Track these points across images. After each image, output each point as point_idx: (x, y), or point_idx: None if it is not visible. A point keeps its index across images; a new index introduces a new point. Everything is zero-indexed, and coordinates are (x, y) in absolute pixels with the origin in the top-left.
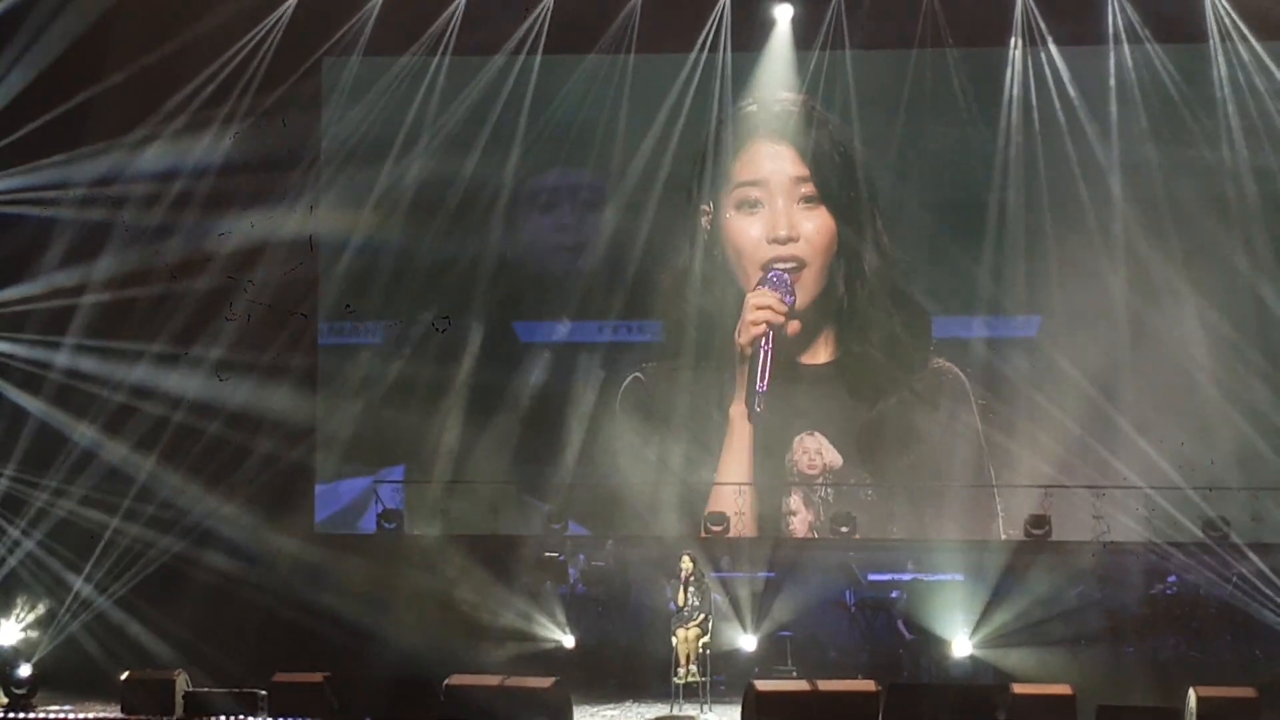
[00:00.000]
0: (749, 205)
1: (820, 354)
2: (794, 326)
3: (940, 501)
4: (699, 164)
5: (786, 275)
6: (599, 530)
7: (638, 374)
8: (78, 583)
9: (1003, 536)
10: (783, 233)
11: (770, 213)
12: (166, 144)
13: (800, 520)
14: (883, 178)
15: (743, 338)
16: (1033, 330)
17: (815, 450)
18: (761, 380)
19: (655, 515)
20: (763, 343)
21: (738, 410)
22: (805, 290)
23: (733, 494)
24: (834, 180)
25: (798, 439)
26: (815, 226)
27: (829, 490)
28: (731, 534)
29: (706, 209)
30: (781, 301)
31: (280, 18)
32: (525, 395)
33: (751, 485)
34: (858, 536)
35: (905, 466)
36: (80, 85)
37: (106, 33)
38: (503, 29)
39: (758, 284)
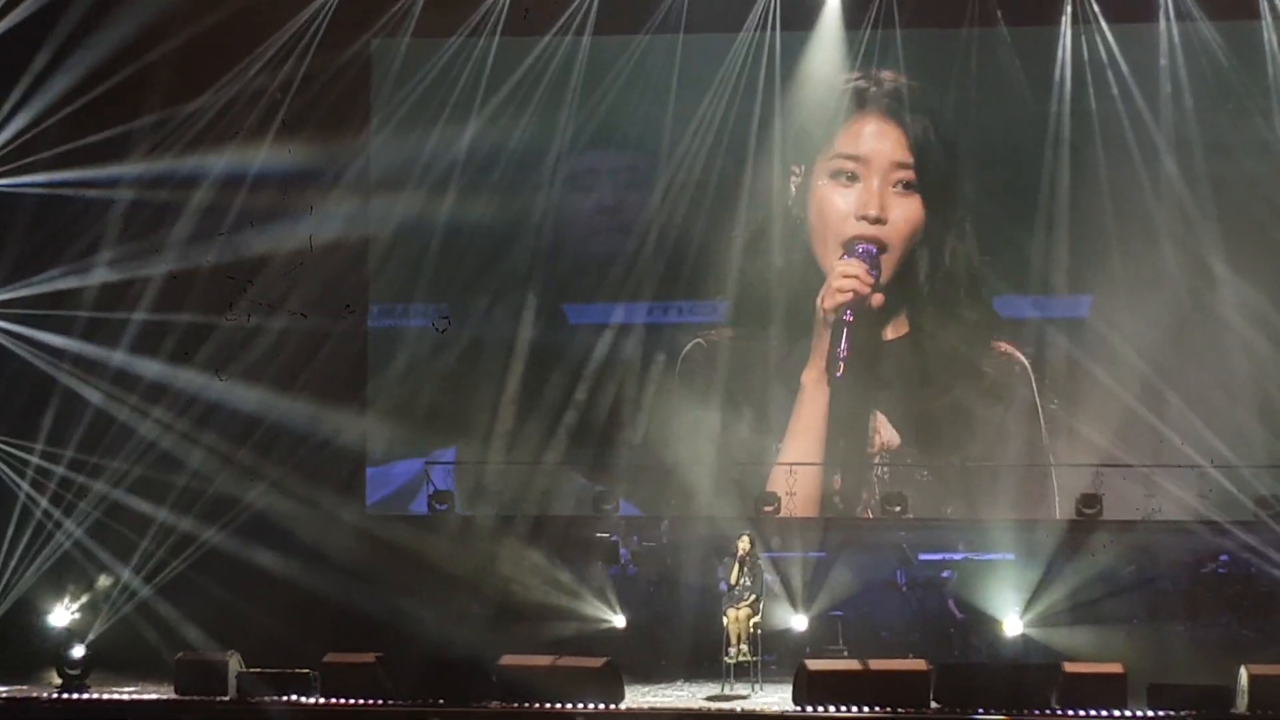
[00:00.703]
0: (845, 176)
1: (890, 334)
2: (878, 299)
3: (995, 483)
4: (795, 127)
5: (875, 250)
6: (651, 510)
7: (699, 340)
8: (131, 565)
9: (1057, 516)
10: (873, 212)
11: (864, 189)
12: (215, 131)
13: (840, 500)
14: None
15: (827, 303)
16: (1084, 310)
17: (873, 429)
18: (842, 349)
19: (707, 494)
20: (846, 312)
21: (810, 377)
22: (883, 272)
23: (788, 470)
24: (933, 171)
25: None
26: (904, 213)
27: (885, 470)
28: (793, 510)
29: (796, 170)
30: (868, 273)
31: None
32: (576, 377)
33: (813, 465)
34: (909, 516)
35: (963, 452)
36: (120, 94)
37: (152, 24)
38: (551, 9)
39: (844, 255)
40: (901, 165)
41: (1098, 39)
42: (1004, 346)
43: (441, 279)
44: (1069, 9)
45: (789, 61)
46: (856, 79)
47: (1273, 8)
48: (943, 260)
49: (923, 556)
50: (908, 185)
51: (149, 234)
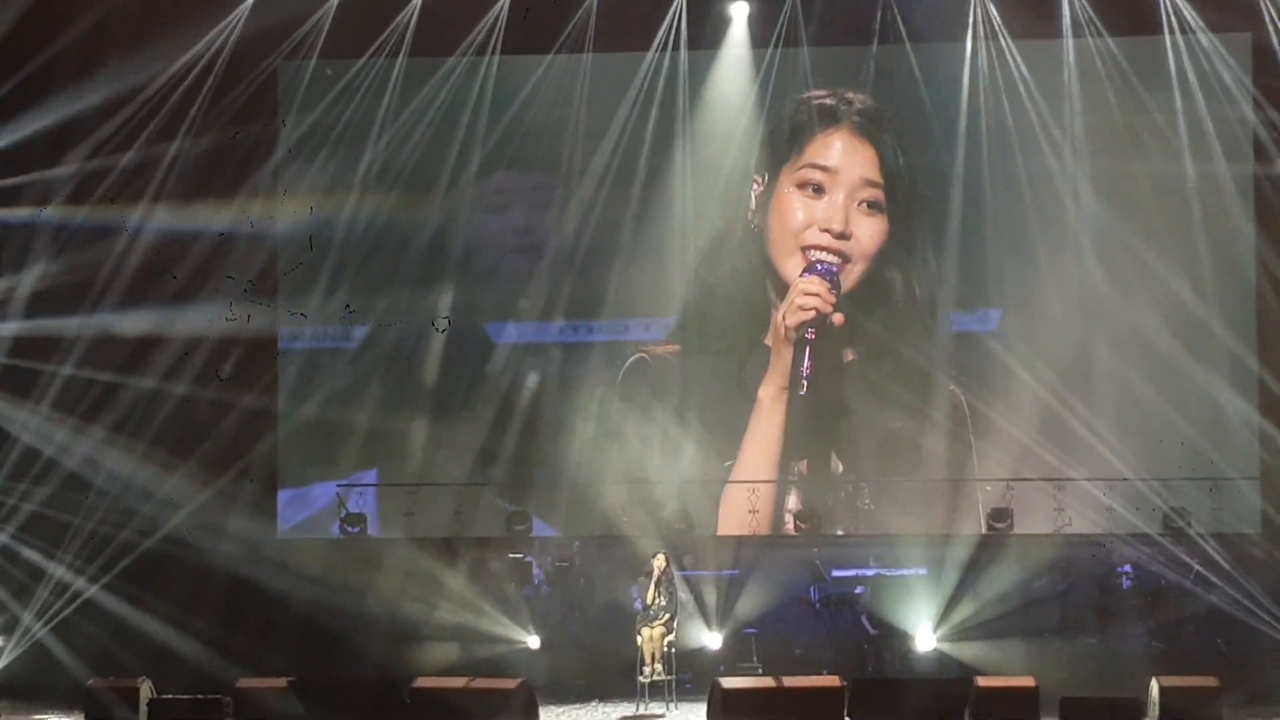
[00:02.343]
0: (811, 188)
1: (845, 355)
2: (839, 318)
3: (926, 505)
4: (769, 135)
5: (835, 268)
6: (565, 530)
7: (643, 354)
8: (39, 591)
9: (984, 530)
10: (837, 226)
11: (829, 204)
12: (124, 144)
13: (794, 520)
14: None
15: (789, 320)
16: (992, 324)
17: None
18: (805, 367)
19: (624, 513)
20: (809, 330)
21: (767, 392)
22: (841, 289)
23: (747, 490)
24: (900, 193)
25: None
26: (869, 231)
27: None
28: (756, 529)
29: (758, 180)
30: (830, 291)
31: (234, 24)
32: (492, 397)
33: (745, 483)
34: (831, 532)
35: (902, 481)
36: (27, 94)
37: (56, 41)
38: (459, 31)
39: (804, 270)
40: (870, 183)
41: (999, 55)
42: (953, 388)
43: (354, 300)
44: (973, 25)
45: (697, 80)
46: (823, 97)
47: (1173, 24)
48: (905, 284)
49: (835, 573)
50: (873, 204)
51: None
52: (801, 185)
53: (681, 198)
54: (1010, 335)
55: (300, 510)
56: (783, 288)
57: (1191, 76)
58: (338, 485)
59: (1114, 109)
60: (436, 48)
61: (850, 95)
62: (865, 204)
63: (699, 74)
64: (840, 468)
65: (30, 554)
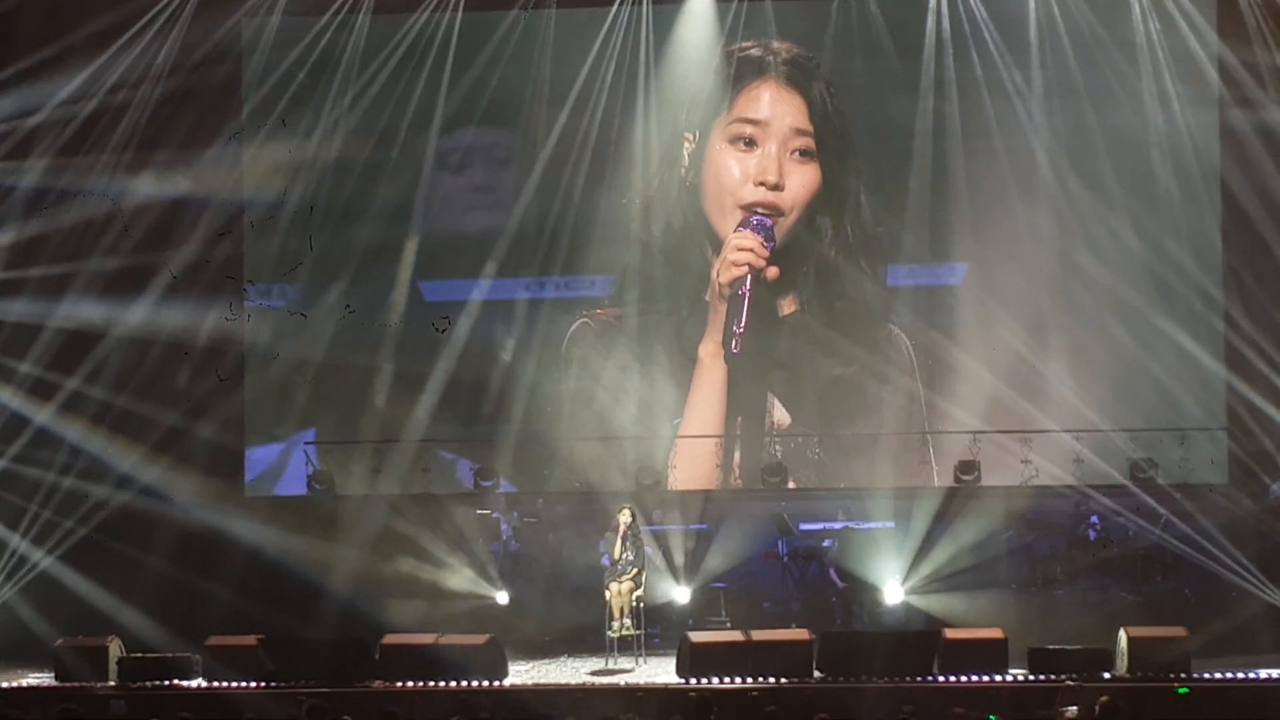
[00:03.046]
0: (743, 142)
1: (785, 309)
2: (773, 271)
3: (878, 454)
4: (687, 94)
5: (769, 221)
6: (531, 487)
7: (585, 319)
8: (7, 549)
9: (935, 483)
10: (771, 178)
11: (763, 155)
12: (83, 106)
13: (739, 473)
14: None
15: (723, 277)
16: (957, 278)
17: (766, 408)
18: (739, 323)
19: (589, 469)
20: (742, 285)
21: (707, 350)
22: (778, 241)
23: (711, 445)
24: (831, 140)
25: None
26: (802, 180)
27: (777, 446)
28: (688, 485)
29: (689, 137)
30: (763, 245)
31: None
32: (455, 355)
33: (706, 438)
34: (791, 486)
35: (849, 426)
36: None
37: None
38: None
39: (739, 225)
40: (801, 132)
41: (962, 3)
42: (894, 329)
43: (315, 259)
44: None
45: (661, 34)
46: (749, 48)
47: None
48: (839, 229)
49: (803, 526)
50: (805, 153)
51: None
52: (733, 140)
53: (630, 158)
54: (977, 289)
55: (265, 467)
56: (720, 244)
57: (1156, 26)
58: (305, 442)
59: (1079, 61)
60: (400, 4)
61: (776, 45)
62: (797, 153)
63: (663, 29)
64: (788, 420)
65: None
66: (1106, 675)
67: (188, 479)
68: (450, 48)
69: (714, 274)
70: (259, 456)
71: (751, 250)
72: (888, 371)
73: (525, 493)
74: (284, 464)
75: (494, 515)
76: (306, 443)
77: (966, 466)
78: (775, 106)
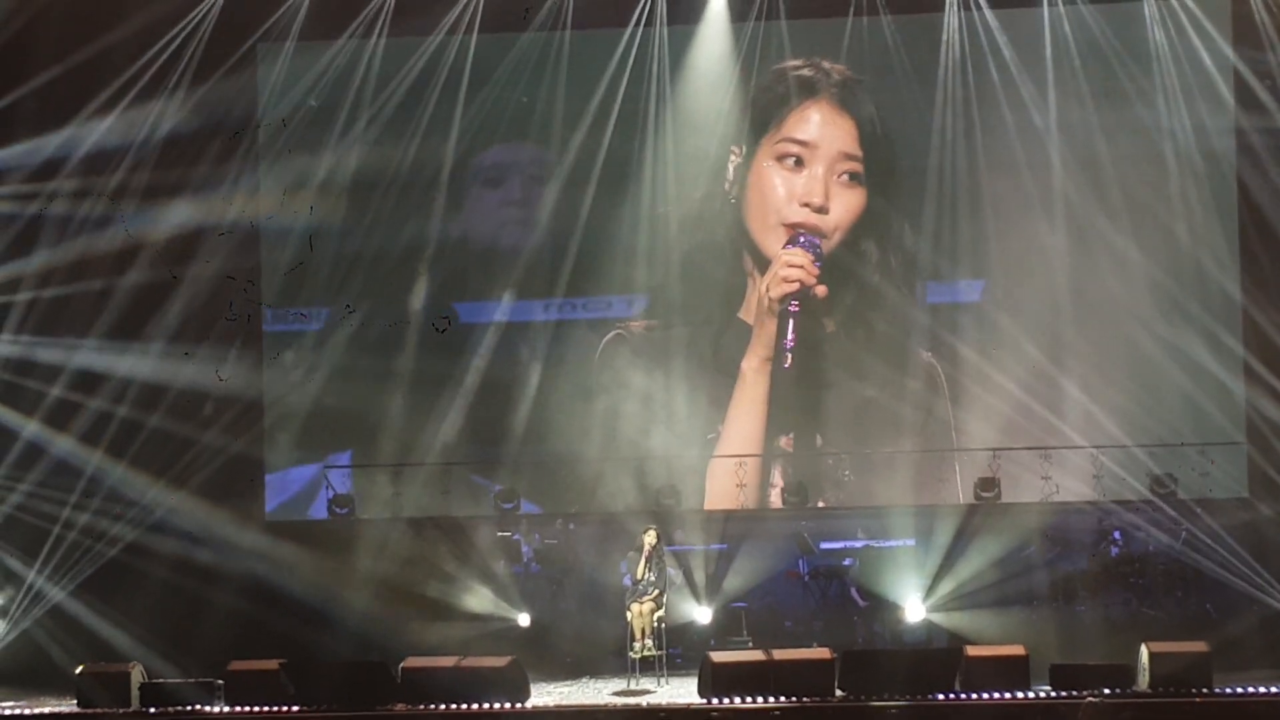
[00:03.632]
0: (791, 160)
1: (825, 327)
2: (822, 290)
3: (898, 472)
4: (747, 107)
5: (818, 240)
6: (552, 508)
7: (620, 331)
8: (29, 577)
9: (972, 500)
10: (817, 200)
11: (809, 177)
12: (102, 135)
13: (776, 493)
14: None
15: (773, 291)
16: (976, 295)
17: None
18: (789, 339)
19: (611, 490)
20: (792, 302)
21: (750, 364)
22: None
23: (734, 464)
24: (878, 165)
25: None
26: (847, 204)
27: (801, 465)
28: (744, 503)
29: (736, 150)
30: (814, 264)
31: (213, 4)
32: (472, 376)
33: (731, 457)
34: (819, 505)
35: (884, 453)
36: (7, 79)
37: (33, 25)
38: (437, 10)
39: (788, 242)
40: (849, 156)
41: (978, 24)
42: (926, 356)
43: (337, 284)
44: None
45: (676, 55)
46: (800, 67)
47: None
48: (886, 256)
49: (824, 545)
50: (853, 176)
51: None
52: (780, 158)
53: (657, 175)
54: (995, 305)
55: (286, 493)
56: (762, 260)
57: (1171, 39)
58: (325, 467)
59: (1094, 73)
60: (414, 28)
61: (827, 65)
62: (845, 176)
63: (678, 50)
64: (820, 440)
65: (21, 543)
66: (1134, 689)
67: (208, 505)
68: (465, 70)
69: (762, 288)
70: (279, 481)
71: (803, 268)
72: (919, 396)
73: (546, 514)
74: (302, 489)
75: (515, 537)
76: (327, 466)
77: (987, 484)
78: (825, 129)
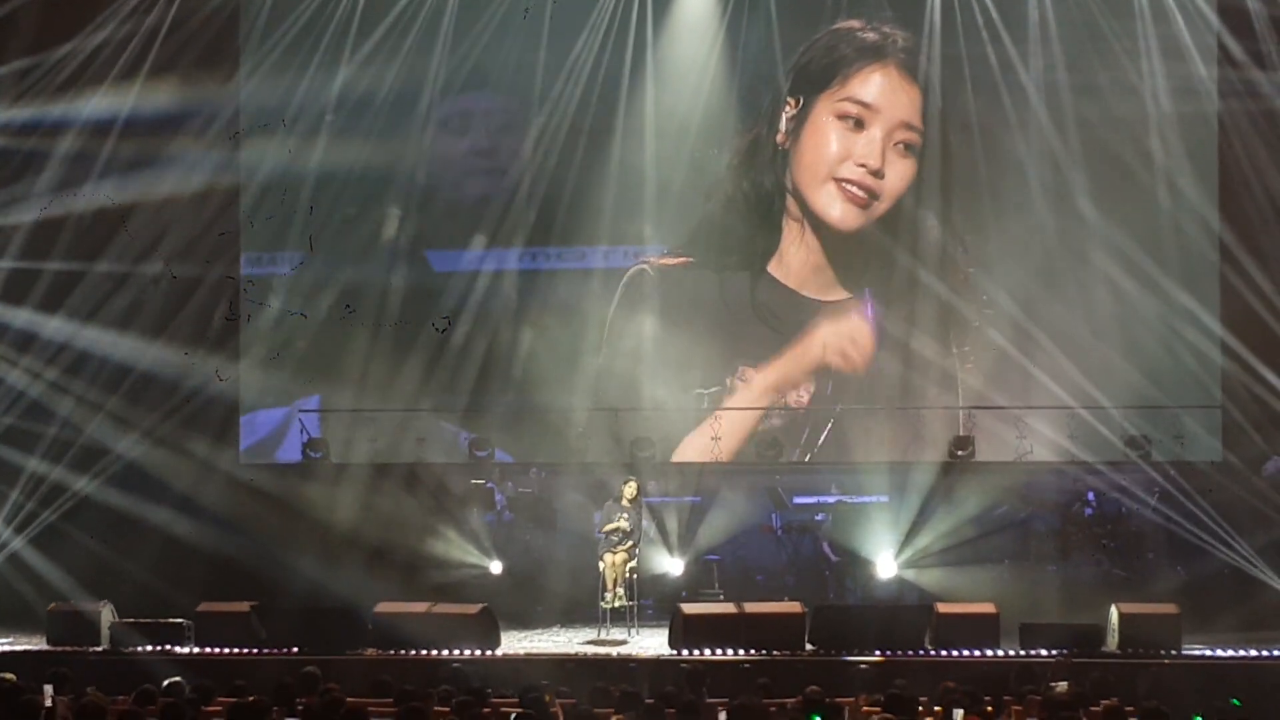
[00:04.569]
0: (851, 120)
1: (834, 292)
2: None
3: (883, 430)
4: (807, 60)
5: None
6: (526, 457)
7: (644, 266)
8: (0, 516)
9: (946, 458)
10: (874, 163)
11: (868, 139)
12: (76, 64)
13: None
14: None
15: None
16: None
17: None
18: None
19: (584, 440)
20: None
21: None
22: (857, 219)
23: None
24: (937, 142)
25: (739, 369)
26: (900, 173)
27: (776, 419)
28: (713, 457)
29: (792, 102)
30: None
31: None
32: (451, 323)
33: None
34: (788, 459)
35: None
36: None
37: None
38: None
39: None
40: (909, 126)
41: None
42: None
43: (313, 226)
44: None
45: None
46: (863, 30)
47: None
48: (919, 231)
49: (797, 499)
50: (909, 147)
51: (14, 182)
52: (841, 116)
53: (702, 119)
54: (967, 263)
55: (256, 436)
56: (808, 212)
57: (1156, 13)
58: (300, 410)
59: (1076, 38)
60: None
61: (889, 30)
62: (901, 145)
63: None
64: (807, 397)
65: None
66: (1103, 650)
67: (184, 444)
68: (452, 11)
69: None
70: (252, 422)
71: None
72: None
73: (520, 462)
74: (277, 429)
75: (488, 485)
76: (303, 410)
77: (961, 442)
78: (889, 94)
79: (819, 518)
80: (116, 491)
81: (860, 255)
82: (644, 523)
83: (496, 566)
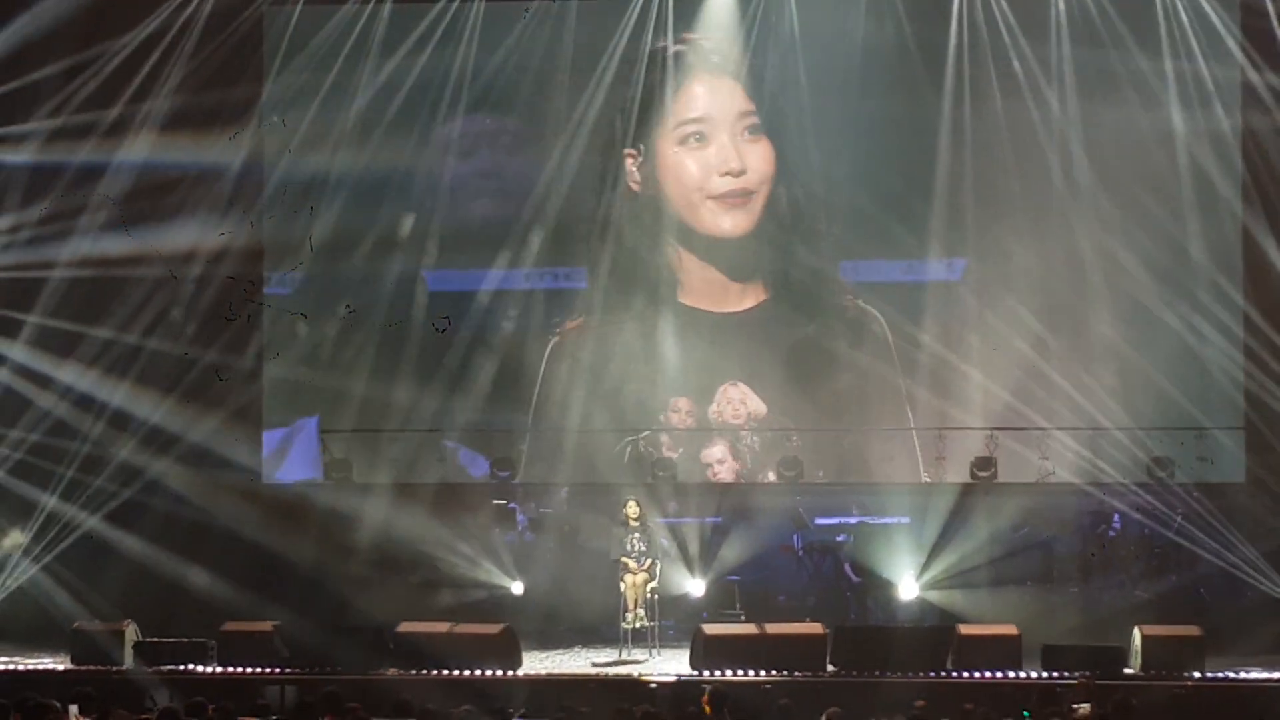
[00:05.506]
0: (695, 139)
1: (748, 299)
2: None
3: (867, 444)
4: (627, 107)
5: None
6: (546, 478)
7: (555, 337)
8: (23, 535)
9: (924, 478)
10: (734, 165)
11: (718, 146)
12: (104, 95)
13: (727, 469)
14: (825, 119)
15: None
16: (957, 274)
17: (739, 399)
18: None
19: (602, 463)
20: None
21: None
22: (746, 220)
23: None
24: (776, 112)
25: (721, 389)
26: (760, 156)
27: (755, 439)
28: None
29: (633, 153)
30: None
31: None
32: (467, 344)
33: (682, 432)
34: (808, 480)
35: (828, 399)
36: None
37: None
38: None
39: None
40: (745, 112)
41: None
42: (860, 304)
43: (328, 247)
44: None
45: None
46: (675, 45)
47: None
48: (796, 199)
49: (818, 520)
50: (753, 130)
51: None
52: (683, 141)
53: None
54: (981, 285)
55: (277, 455)
56: (697, 235)
57: (1179, 26)
58: (321, 431)
59: (1100, 59)
60: None
61: (689, 37)
62: (746, 131)
63: (686, 19)
64: (764, 409)
65: (16, 497)
66: (1126, 672)
67: (206, 464)
68: (475, 34)
69: None
70: (274, 442)
71: None
72: (860, 336)
73: (542, 483)
74: (300, 450)
75: (510, 505)
76: (325, 430)
77: (983, 463)
78: (713, 98)
79: (840, 538)
80: (139, 511)
81: (752, 254)
82: (663, 542)
83: (518, 587)
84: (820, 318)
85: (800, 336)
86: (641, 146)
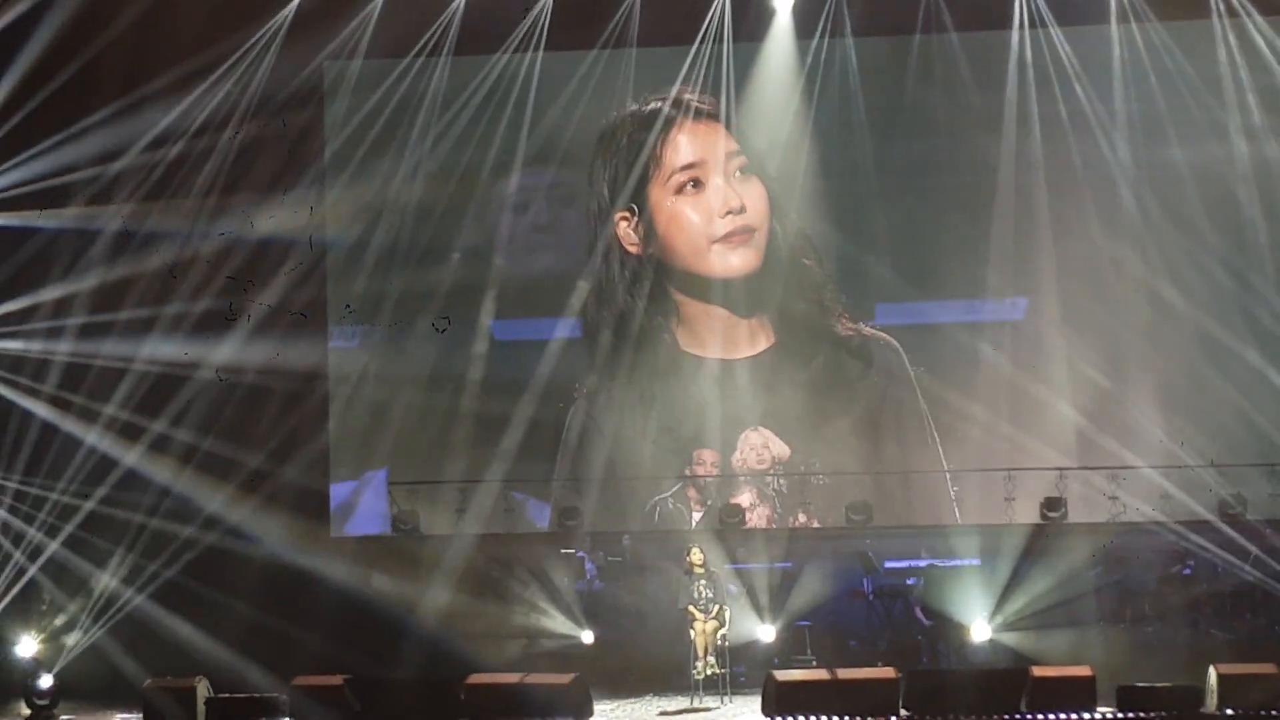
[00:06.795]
0: (692, 186)
1: (759, 341)
2: None
3: (972, 493)
4: (612, 172)
5: None
6: (615, 526)
7: (576, 399)
8: (96, 592)
9: (959, 520)
10: (735, 203)
11: (714, 188)
12: (166, 150)
13: (758, 515)
14: (888, 160)
15: None
16: (1019, 313)
17: (761, 444)
18: None
19: (672, 508)
20: None
21: None
22: (754, 256)
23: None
24: (762, 149)
25: (743, 436)
26: (756, 193)
27: (781, 482)
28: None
29: (626, 215)
30: None
31: (281, 22)
32: (530, 394)
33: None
34: (882, 524)
35: (847, 429)
36: (72, 95)
37: (96, 38)
38: (504, 28)
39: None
40: (733, 153)
41: (1045, 41)
42: (873, 330)
43: (396, 300)
44: (1018, 12)
45: (742, 71)
46: (648, 103)
47: (1221, 7)
48: (796, 232)
49: (888, 564)
50: (744, 169)
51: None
52: (680, 190)
53: None
54: (1045, 323)
55: (345, 508)
56: (703, 282)
57: (1240, 58)
58: (389, 483)
59: (1162, 93)
60: (480, 46)
61: (671, 91)
62: (738, 171)
63: (744, 65)
64: (787, 453)
65: (86, 554)
66: (1202, 711)
67: (273, 519)
68: (531, 88)
69: None
70: (342, 495)
71: None
72: (871, 361)
73: (610, 531)
74: (367, 504)
75: (578, 554)
76: (392, 483)
77: (1053, 503)
78: (700, 141)
79: (910, 581)
80: (209, 567)
81: (761, 289)
82: (732, 589)
83: (588, 636)
84: (826, 350)
85: (812, 373)
86: (634, 206)
